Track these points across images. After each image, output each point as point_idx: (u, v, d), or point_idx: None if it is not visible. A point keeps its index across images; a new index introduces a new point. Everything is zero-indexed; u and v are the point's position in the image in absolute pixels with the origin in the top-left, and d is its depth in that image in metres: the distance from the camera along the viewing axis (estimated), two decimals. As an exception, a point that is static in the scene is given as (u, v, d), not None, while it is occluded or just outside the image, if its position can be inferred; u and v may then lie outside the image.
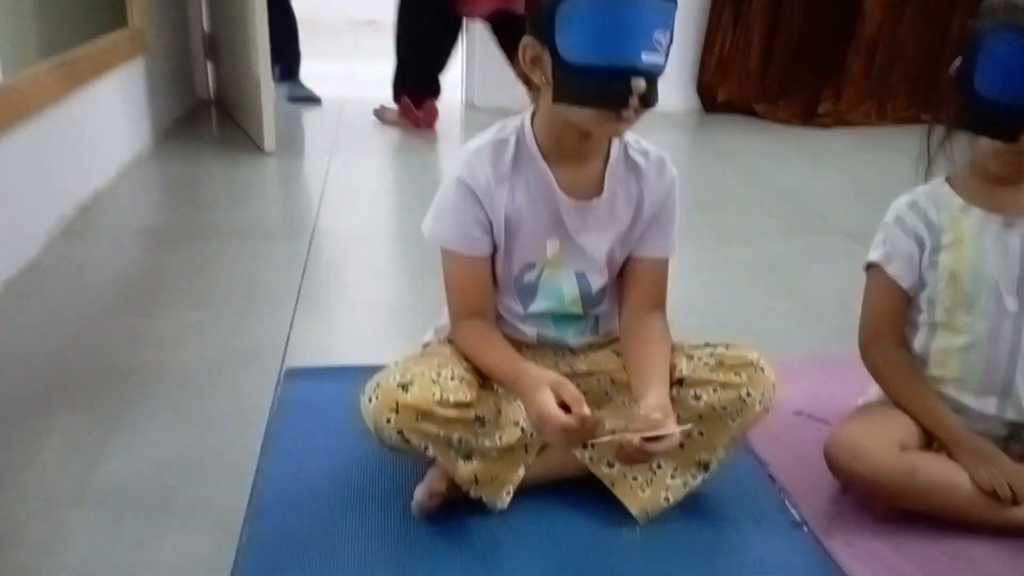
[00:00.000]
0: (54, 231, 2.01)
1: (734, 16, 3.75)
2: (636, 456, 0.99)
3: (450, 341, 1.19)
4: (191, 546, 1.05)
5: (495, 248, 1.15)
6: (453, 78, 3.85)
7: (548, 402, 0.99)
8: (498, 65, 3.53)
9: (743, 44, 3.78)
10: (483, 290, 1.16)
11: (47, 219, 2.00)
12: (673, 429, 0.98)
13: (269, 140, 2.77)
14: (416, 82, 3.32)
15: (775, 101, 3.83)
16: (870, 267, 1.23)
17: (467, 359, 1.12)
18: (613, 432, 0.99)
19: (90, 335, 1.59)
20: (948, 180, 1.21)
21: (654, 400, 1.02)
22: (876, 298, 1.23)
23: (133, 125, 2.67)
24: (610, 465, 1.12)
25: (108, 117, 2.47)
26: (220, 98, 3.53)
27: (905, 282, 1.19)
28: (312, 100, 3.69)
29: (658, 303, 1.18)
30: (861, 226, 1.23)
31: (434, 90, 3.34)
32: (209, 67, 3.57)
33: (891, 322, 1.22)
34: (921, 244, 1.18)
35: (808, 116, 3.79)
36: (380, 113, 3.43)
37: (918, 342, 1.21)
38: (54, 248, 1.95)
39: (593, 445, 1.13)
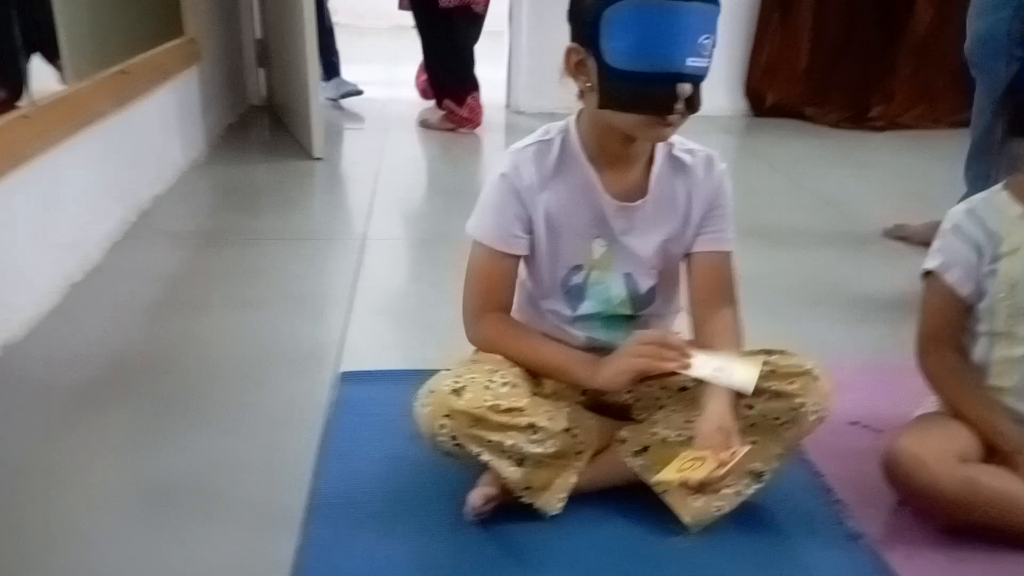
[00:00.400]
0: (116, 235, 2.07)
1: (782, 18, 3.71)
2: (701, 489, 0.99)
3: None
4: (247, 545, 1.07)
5: (530, 251, 1.16)
6: (497, 81, 3.88)
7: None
8: (541, 69, 3.54)
9: (791, 46, 3.73)
10: (507, 288, 1.18)
11: (110, 223, 2.06)
12: (733, 454, 0.97)
13: (318, 145, 2.82)
14: (452, 83, 3.36)
15: (824, 104, 3.78)
16: (927, 275, 1.21)
17: (500, 354, 1.14)
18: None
19: (148, 335, 1.64)
20: (1007, 187, 1.18)
21: (715, 420, 1.01)
22: (933, 306, 1.21)
23: (189, 131, 2.74)
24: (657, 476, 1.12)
25: (166, 124, 2.54)
26: (271, 104, 3.60)
27: (963, 290, 1.18)
28: (355, 93, 3.76)
29: (725, 298, 1.18)
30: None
31: (471, 85, 3.37)
32: (261, 74, 3.64)
33: (948, 330, 1.20)
34: (979, 252, 1.16)
35: (859, 119, 3.72)
36: (425, 121, 3.47)
37: (977, 352, 1.19)
38: (116, 251, 2.01)
39: (646, 451, 1.13)
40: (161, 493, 1.16)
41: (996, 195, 1.19)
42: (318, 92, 2.76)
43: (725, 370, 1.03)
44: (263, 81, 3.65)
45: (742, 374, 1.02)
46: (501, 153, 1.18)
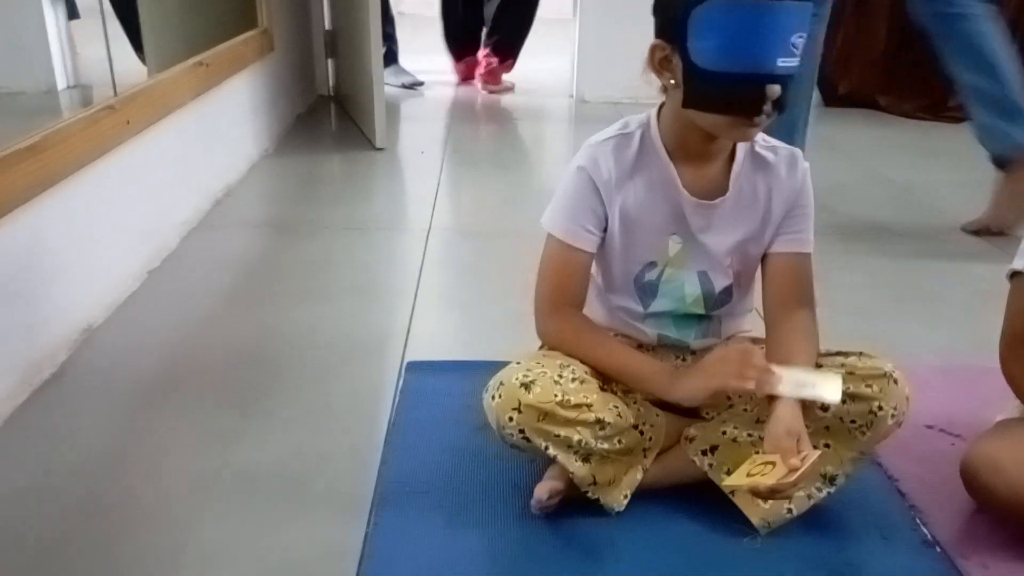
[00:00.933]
0: (191, 223, 2.13)
1: (856, 5, 3.60)
2: (772, 495, 0.97)
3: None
4: (321, 531, 1.10)
5: (603, 246, 1.16)
6: (562, 70, 3.85)
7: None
8: (608, 58, 3.52)
9: (866, 34, 3.62)
10: (579, 283, 1.17)
11: (186, 212, 2.12)
12: (803, 460, 0.94)
13: (380, 136, 2.85)
14: (451, 45, 3.97)
15: (900, 94, 3.66)
16: (1014, 275, 1.17)
17: (570, 354, 1.12)
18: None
19: (222, 324, 1.68)
20: None
21: (785, 423, 0.99)
22: (1020, 308, 1.17)
23: (261, 122, 2.80)
24: (729, 472, 1.11)
25: (239, 114, 2.60)
26: (339, 94, 3.65)
27: None
28: (417, 84, 3.84)
29: (802, 300, 1.15)
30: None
31: (466, 47, 3.80)
32: (330, 64, 3.69)
33: None
34: None
35: (935, 109, 3.60)
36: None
37: None
38: (191, 240, 2.07)
39: (714, 450, 1.12)
40: (242, 480, 1.20)
41: None
42: (382, 83, 2.79)
43: (807, 386, 1.00)
44: (332, 72, 3.70)
45: (826, 387, 1.00)
46: (567, 145, 1.17)
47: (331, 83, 3.72)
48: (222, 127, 2.42)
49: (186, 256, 1.98)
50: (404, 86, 3.84)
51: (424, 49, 4.36)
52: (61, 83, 1.87)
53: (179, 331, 1.64)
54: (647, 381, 1.11)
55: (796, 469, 0.94)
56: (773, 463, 0.96)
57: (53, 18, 1.85)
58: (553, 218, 1.16)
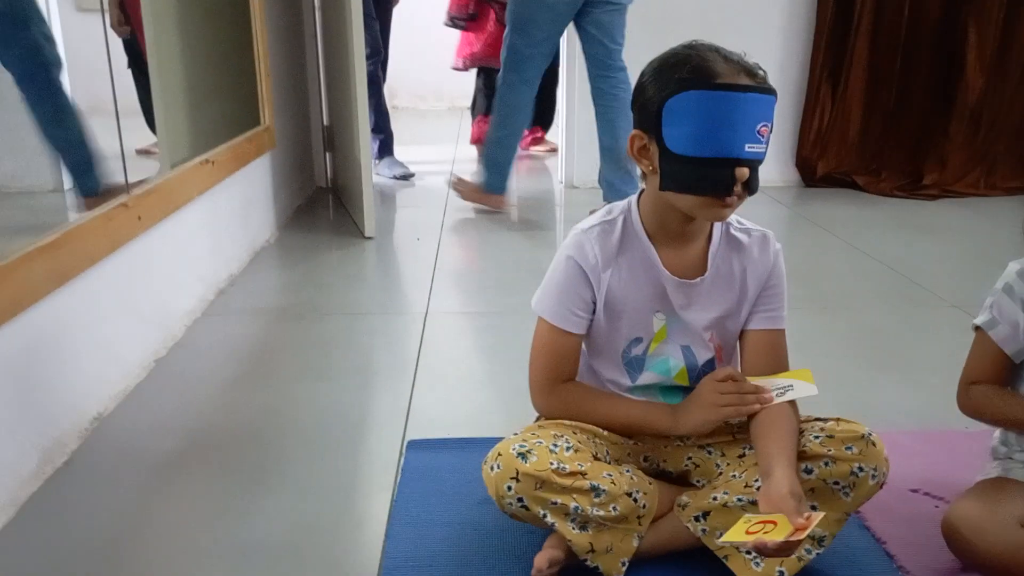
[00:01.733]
0: (196, 313, 2.20)
1: (832, 89, 3.78)
2: (778, 553, 1.00)
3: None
4: (328, 605, 1.13)
5: (591, 325, 1.24)
6: (552, 158, 4.01)
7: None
8: (594, 146, 3.67)
9: (842, 117, 3.80)
10: (571, 363, 1.25)
11: (191, 301, 2.19)
12: (809, 519, 0.98)
13: (370, 226, 2.96)
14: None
15: (877, 173, 3.81)
16: (976, 330, 1.24)
17: (574, 419, 1.21)
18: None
19: (227, 407, 1.74)
20: None
21: (787, 485, 1.03)
22: (978, 360, 1.24)
23: (262, 214, 2.90)
24: (721, 537, 1.15)
25: (242, 207, 2.70)
26: (336, 186, 3.78)
27: (1009, 348, 1.20)
28: (408, 175, 4.01)
29: (778, 372, 1.22)
30: (971, 297, 1.25)
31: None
32: (327, 157, 3.84)
33: (989, 380, 1.23)
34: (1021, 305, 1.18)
35: (912, 187, 3.74)
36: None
37: None
38: (196, 328, 2.13)
39: (706, 515, 1.17)
40: (248, 552, 1.24)
41: None
42: (370, 175, 2.91)
43: (788, 390, 1.14)
44: (329, 164, 3.84)
45: (803, 385, 1.14)
46: (555, 231, 1.26)
47: (329, 175, 3.86)
48: (226, 220, 2.52)
49: (192, 344, 2.05)
50: (395, 177, 4.00)
51: (416, 140, 4.53)
52: (68, 182, 1.94)
53: (186, 416, 1.69)
54: (653, 423, 1.22)
55: (803, 528, 0.98)
56: (773, 522, 1.00)
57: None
58: (544, 303, 1.24)
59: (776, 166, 3.84)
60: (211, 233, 2.38)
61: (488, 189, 3.36)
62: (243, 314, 2.27)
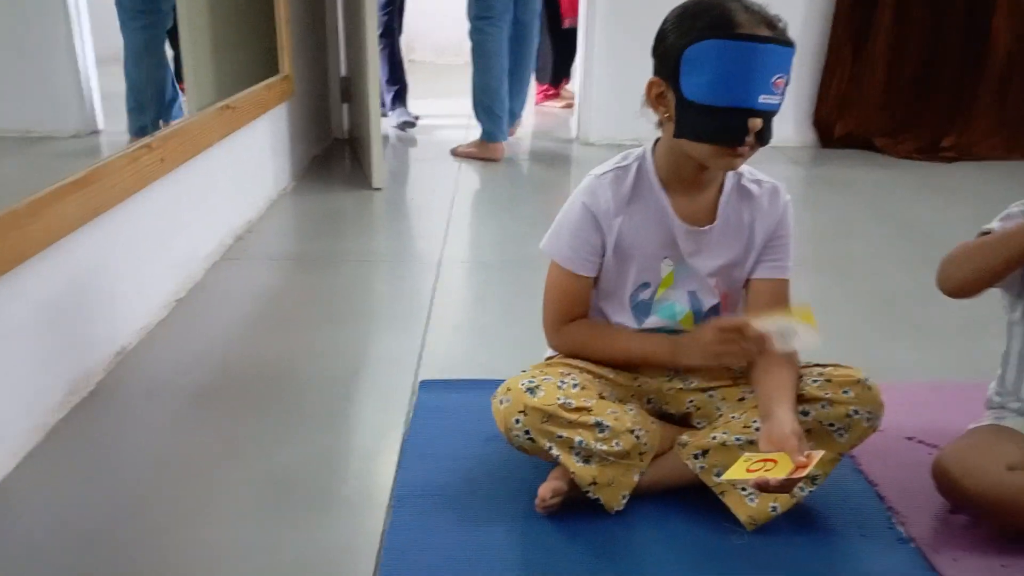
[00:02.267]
0: (215, 256, 2.25)
1: (853, 50, 3.75)
2: (779, 490, 1.04)
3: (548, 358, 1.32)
4: (343, 527, 1.19)
5: (601, 268, 1.27)
6: (566, 114, 4.01)
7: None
8: (611, 102, 3.68)
9: (864, 78, 3.76)
10: (582, 305, 1.29)
11: (211, 245, 2.24)
12: (809, 457, 1.02)
13: (378, 176, 2.98)
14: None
15: (895, 135, 3.79)
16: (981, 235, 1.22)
17: (583, 355, 1.25)
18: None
19: (247, 348, 1.79)
20: None
21: (789, 424, 1.08)
22: (962, 247, 1.21)
23: (280, 162, 2.94)
24: (719, 475, 1.20)
25: (261, 155, 2.74)
26: (352, 138, 3.80)
27: None
28: (410, 124, 4.07)
29: None
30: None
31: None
32: (345, 109, 3.86)
33: None
34: None
35: (930, 150, 3.72)
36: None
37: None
38: (215, 271, 2.19)
39: (705, 453, 1.21)
40: (272, 484, 1.30)
41: None
42: (379, 126, 2.94)
43: (790, 335, 1.13)
44: (347, 116, 3.86)
45: (806, 332, 1.12)
46: (566, 184, 1.29)
47: (346, 127, 3.88)
48: (245, 166, 2.56)
49: (211, 287, 2.10)
50: (398, 126, 4.04)
51: (433, 93, 4.54)
52: (88, 127, 1.99)
53: (206, 354, 1.75)
54: (657, 357, 1.25)
55: (804, 466, 1.02)
56: (774, 460, 1.05)
57: (83, 63, 1.97)
58: (555, 247, 1.27)
59: (794, 126, 3.83)
60: (231, 179, 2.43)
61: (484, 138, 3.50)
62: (261, 259, 2.32)
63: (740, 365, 1.23)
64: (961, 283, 1.19)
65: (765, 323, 1.14)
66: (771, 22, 1.12)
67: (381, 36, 3.89)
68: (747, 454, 1.10)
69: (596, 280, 1.29)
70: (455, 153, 3.60)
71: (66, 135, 1.95)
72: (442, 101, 4.58)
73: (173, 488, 1.30)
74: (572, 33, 4.28)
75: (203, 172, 2.16)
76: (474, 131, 3.66)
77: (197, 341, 1.81)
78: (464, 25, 3.44)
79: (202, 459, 1.37)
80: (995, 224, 1.22)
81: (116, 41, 1.99)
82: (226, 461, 1.36)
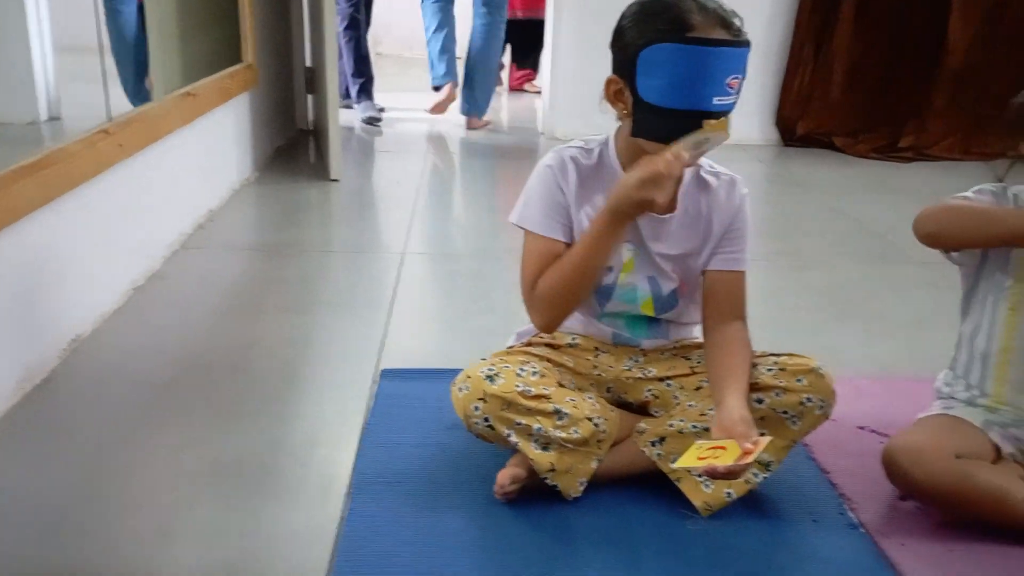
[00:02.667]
0: (175, 245, 2.23)
1: (815, 50, 3.80)
2: (727, 476, 1.05)
3: (529, 344, 1.32)
4: (300, 516, 1.19)
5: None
6: (533, 108, 4.02)
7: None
8: (579, 97, 3.69)
9: (824, 78, 3.82)
10: None
11: (170, 234, 2.22)
12: (756, 443, 1.04)
13: (335, 167, 2.95)
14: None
15: (855, 135, 3.86)
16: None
17: (559, 295, 1.20)
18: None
19: (207, 336, 1.77)
20: None
21: (738, 412, 1.09)
22: (938, 205, 1.23)
23: (243, 152, 2.91)
24: (675, 462, 1.21)
25: (223, 144, 2.71)
26: (316, 129, 3.77)
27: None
28: (375, 120, 4.02)
29: (736, 313, 1.27)
30: (937, 255, 1.30)
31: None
32: (309, 99, 3.82)
33: None
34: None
35: (888, 150, 3.80)
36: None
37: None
38: (175, 260, 2.16)
39: (662, 441, 1.23)
40: (228, 471, 1.29)
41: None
42: (337, 117, 2.92)
43: (702, 142, 1.12)
44: (311, 107, 3.83)
45: (717, 137, 1.12)
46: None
47: (310, 118, 3.85)
48: (206, 155, 2.53)
49: (170, 275, 2.07)
50: (364, 121, 3.99)
51: (399, 87, 4.52)
52: (44, 115, 1.95)
53: (163, 342, 1.73)
54: (599, 233, 1.17)
55: (751, 452, 1.04)
56: (723, 447, 1.07)
57: (39, 51, 1.93)
58: (527, 215, 1.26)
59: (756, 124, 3.87)
60: (192, 167, 2.39)
61: (436, 83, 4.08)
62: (222, 248, 2.29)
63: (668, 197, 1.15)
64: (941, 231, 1.22)
65: (678, 147, 1.11)
66: (727, 22, 1.12)
67: (347, 28, 3.87)
68: (699, 441, 1.11)
69: None
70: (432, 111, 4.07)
71: (22, 122, 1.91)
72: (408, 95, 4.56)
73: (126, 476, 1.28)
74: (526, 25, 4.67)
75: (163, 159, 2.13)
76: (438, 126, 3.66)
77: (154, 330, 1.79)
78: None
79: (156, 447, 1.35)
80: (969, 194, 1.24)
81: (81, 30, 1.95)
82: (181, 449, 1.35)
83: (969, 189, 1.27)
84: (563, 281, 1.21)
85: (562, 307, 1.23)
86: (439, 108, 4.09)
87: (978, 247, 1.23)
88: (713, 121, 1.11)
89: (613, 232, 1.17)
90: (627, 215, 1.16)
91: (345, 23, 3.85)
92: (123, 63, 2.08)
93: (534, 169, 1.28)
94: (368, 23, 4.12)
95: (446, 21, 4.04)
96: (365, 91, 4.07)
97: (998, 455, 1.21)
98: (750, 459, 1.03)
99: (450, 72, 4.05)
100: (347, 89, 4.13)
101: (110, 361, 1.63)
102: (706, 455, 1.07)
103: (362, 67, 4.02)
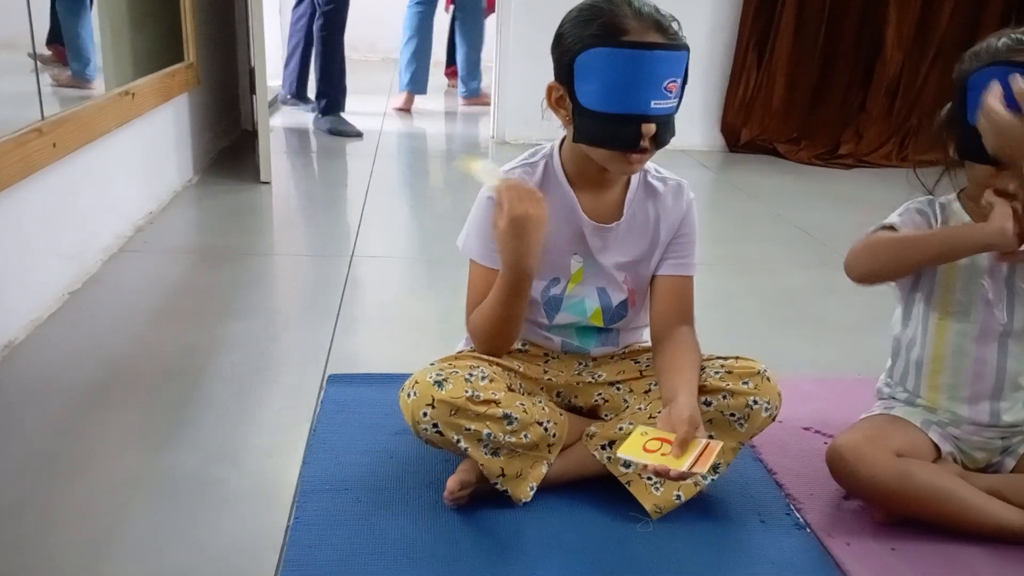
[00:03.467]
0: (113, 248, 2.16)
1: (758, 58, 3.88)
2: (677, 478, 1.06)
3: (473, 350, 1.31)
4: (244, 526, 1.15)
5: None
6: (483, 113, 4.02)
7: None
8: (527, 101, 3.68)
9: (766, 85, 3.90)
10: None
11: (108, 237, 2.15)
12: (709, 448, 1.05)
13: (265, 170, 2.91)
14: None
15: (797, 141, 3.94)
16: (881, 230, 1.27)
17: (491, 326, 1.22)
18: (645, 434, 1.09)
19: (147, 341, 1.72)
20: (959, 198, 1.28)
21: (688, 410, 1.08)
22: (868, 238, 1.26)
23: (184, 153, 2.84)
24: (626, 465, 1.21)
25: (163, 145, 2.64)
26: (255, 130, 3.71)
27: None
28: (353, 134, 3.84)
29: (684, 318, 1.28)
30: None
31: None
32: (254, 100, 3.75)
33: None
34: (928, 227, 1.24)
35: (829, 156, 3.89)
36: None
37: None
38: (113, 263, 2.09)
39: (612, 444, 1.23)
40: (167, 480, 1.25)
41: (952, 201, 1.28)
42: (267, 119, 2.88)
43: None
44: (256, 108, 3.75)
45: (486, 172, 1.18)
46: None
47: (255, 119, 3.77)
48: (146, 156, 2.46)
49: (107, 279, 2.01)
50: (340, 133, 3.82)
51: (356, 90, 4.47)
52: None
53: (101, 348, 1.67)
54: (506, 280, 1.18)
55: (706, 458, 1.03)
56: (669, 440, 1.06)
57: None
58: (468, 244, 1.27)
59: (701, 130, 3.93)
60: (130, 168, 2.33)
61: (402, 88, 4.57)
62: (161, 252, 2.23)
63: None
64: (870, 272, 1.25)
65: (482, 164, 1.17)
66: (662, 25, 1.12)
67: (323, 28, 3.73)
68: (642, 427, 1.10)
69: None
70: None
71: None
72: (361, 98, 4.50)
73: (61, 485, 1.23)
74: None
75: (100, 160, 2.06)
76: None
77: (90, 335, 1.73)
78: (380, 22, 3.40)
79: (91, 457, 1.30)
80: (895, 218, 1.27)
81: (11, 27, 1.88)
82: (118, 458, 1.30)
83: (899, 207, 1.30)
84: (487, 324, 1.23)
85: (494, 343, 1.25)
86: (403, 108, 4.55)
87: (908, 274, 1.27)
88: (467, 163, 1.17)
89: (518, 285, 1.18)
90: (515, 266, 1.16)
91: (321, 22, 3.73)
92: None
93: (478, 195, 1.27)
94: (333, 31, 3.89)
95: (421, 30, 4.37)
96: (335, 104, 3.86)
97: (938, 454, 1.24)
98: (704, 468, 1.04)
99: (414, 81, 4.48)
100: (296, 87, 4.09)
101: (44, 368, 1.56)
102: (652, 447, 1.06)
103: (330, 77, 3.81)
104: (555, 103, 1.19)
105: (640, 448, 1.06)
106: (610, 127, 1.12)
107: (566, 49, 1.14)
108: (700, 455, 1.05)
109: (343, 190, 3.04)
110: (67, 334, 1.71)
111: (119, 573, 1.06)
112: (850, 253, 1.27)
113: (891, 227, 1.26)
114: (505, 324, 1.22)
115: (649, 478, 1.20)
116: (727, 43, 3.86)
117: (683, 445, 1.05)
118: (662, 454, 1.04)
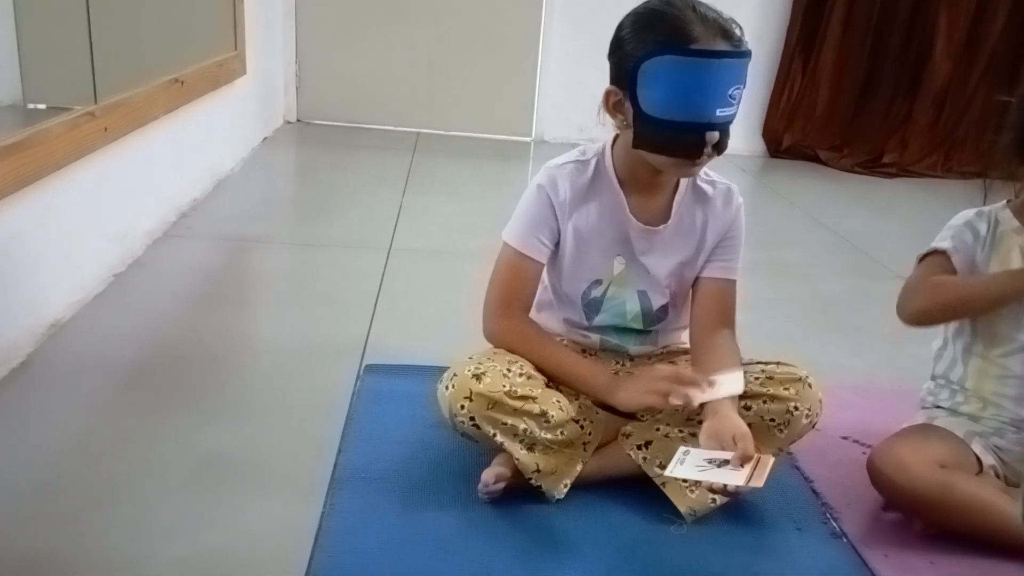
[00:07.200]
0: (157, 233, 2.19)
1: (803, 64, 3.84)
2: (728, 495, 1.05)
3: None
4: (280, 510, 1.17)
5: (554, 261, 1.26)
6: (524, 113, 4.01)
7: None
8: (568, 101, 3.70)
9: (811, 92, 3.86)
10: (529, 290, 1.26)
11: (152, 222, 2.18)
12: (763, 462, 1.03)
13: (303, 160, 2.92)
14: None
15: (840, 149, 3.89)
16: (932, 254, 1.27)
17: (520, 352, 1.20)
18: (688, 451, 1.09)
19: (188, 325, 1.75)
20: (1008, 205, 1.27)
21: (732, 422, 1.08)
22: (920, 275, 1.27)
23: (228, 142, 2.87)
24: (661, 466, 1.21)
25: (209, 133, 2.67)
26: (301, 120, 3.75)
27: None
28: None
29: (726, 321, 1.26)
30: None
31: None
32: (297, 92, 3.79)
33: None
34: (980, 246, 1.24)
35: (872, 165, 3.83)
36: None
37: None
38: (156, 248, 2.13)
39: (648, 445, 1.22)
40: (206, 463, 1.27)
41: (1002, 209, 1.27)
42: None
43: (716, 386, 1.12)
44: (297, 99, 3.80)
45: (731, 381, 1.12)
46: (527, 179, 1.27)
47: (297, 110, 3.82)
48: (192, 143, 2.50)
49: (151, 263, 2.04)
50: None
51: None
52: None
53: (143, 330, 1.70)
54: (587, 385, 1.20)
55: (761, 475, 1.02)
56: (726, 459, 1.04)
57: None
58: (511, 228, 1.26)
59: (743, 135, 3.89)
60: (176, 154, 2.36)
61: None
62: (204, 238, 2.26)
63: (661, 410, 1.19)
64: (928, 320, 1.28)
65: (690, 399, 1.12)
66: (728, 32, 1.10)
67: None
68: (688, 448, 1.09)
69: (550, 274, 1.28)
70: None
71: (2, 104, 1.87)
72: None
73: (100, 466, 1.25)
74: None
75: (148, 145, 2.10)
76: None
77: (133, 317, 1.76)
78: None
79: (132, 437, 1.33)
80: (947, 243, 1.25)
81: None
82: (158, 440, 1.32)
83: (942, 216, 1.29)
84: (526, 352, 1.21)
85: (515, 355, 1.22)
86: None
87: (961, 319, 1.28)
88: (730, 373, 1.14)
89: (593, 390, 1.20)
90: (613, 401, 1.17)
91: None
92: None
93: (528, 186, 1.27)
94: None
95: None
96: None
97: (980, 468, 1.22)
98: (762, 481, 1.02)
99: None
100: None
101: (88, 348, 1.59)
102: (709, 469, 1.05)
103: None
104: (612, 108, 1.17)
105: (693, 469, 1.04)
106: (674, 135, 1.11)
107: (627, 55, 1.12)
108: (755, 468, 1.04)
109: (382, 182, 3.06)
110: (110, 315, 1.74)
111: (154, 553, 1.07)
112: (905, 293, 1.27)
113: (943, 251, 1.24)
114: (538, 365, 1.21)
115: (684, 480, 1.19)
116: (773, 48, 3.82)
117: (742, 460, 1.04)
118: (718, 466, 1.03)
